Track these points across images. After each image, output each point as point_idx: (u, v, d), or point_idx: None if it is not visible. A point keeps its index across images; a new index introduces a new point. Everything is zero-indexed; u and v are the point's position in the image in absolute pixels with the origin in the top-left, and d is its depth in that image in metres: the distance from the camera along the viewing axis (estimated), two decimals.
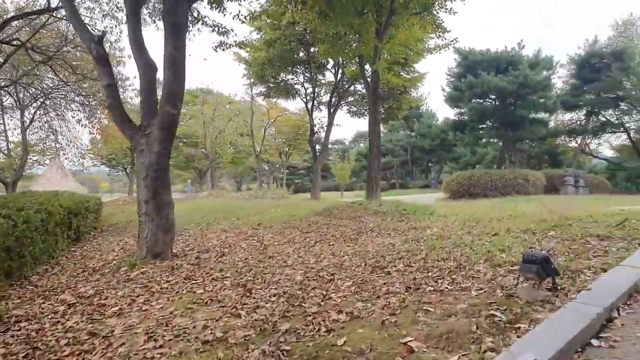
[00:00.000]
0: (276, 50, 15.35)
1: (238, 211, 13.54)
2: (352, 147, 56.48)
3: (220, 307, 4.07)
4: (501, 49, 25.38)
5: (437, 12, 10.75)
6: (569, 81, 31.85)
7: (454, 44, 13.92)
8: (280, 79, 19.42)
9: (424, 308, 3.59)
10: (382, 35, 10.39)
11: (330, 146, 73.96)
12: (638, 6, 53.31)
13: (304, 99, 20.01)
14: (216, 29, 11.20)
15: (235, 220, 11.74)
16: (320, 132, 22.72)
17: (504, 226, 7.40)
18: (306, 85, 20.02)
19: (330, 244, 6.96)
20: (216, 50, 11.28)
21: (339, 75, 18.54)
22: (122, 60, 21.85)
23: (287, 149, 42.84)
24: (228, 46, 11.46)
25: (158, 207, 6.31)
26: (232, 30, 11.40)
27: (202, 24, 11.38)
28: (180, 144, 38.14)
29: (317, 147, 19.74)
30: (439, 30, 11.27)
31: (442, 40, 13.98)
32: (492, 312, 3.41)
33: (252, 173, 76.06)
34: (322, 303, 3.97)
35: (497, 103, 26.21)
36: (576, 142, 34.91)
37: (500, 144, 29.13)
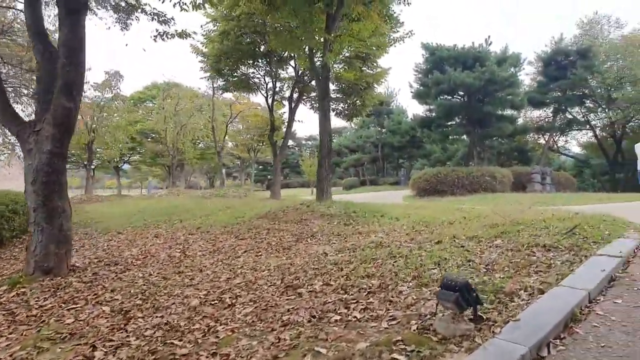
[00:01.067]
0: (230, 42, 14.52)
1: (184, 213, 12.73)
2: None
3: (76, 345, 3.31)
4: (468, 45, 25.10)
5: (390, 3, 10.13)
6: (537, 78, 31.86)
7: (409, 36, 13.37)
8: (240, 72, 18.58)
9: (316, 349, 2.92)
10: (331, 26, 9.70)
11: (303, 142, 73.44)
12: (599, 5, 54.02)
13: (264, 94, 19.20)
14: (156, 17, 10.39)
15: (178, 223, 10.95)
16: (282, 128, 21.98)
17: (452, 232, 6.82)
18: (267, 79, 19.22)
19: (259, 254, 6.25)
20: (155, 40, 10.40)
21: (300, 70, 17.81)
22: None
23: (256, 145, 41.90)
24: (170, 36, 10.59)
25: (50, 215, 5.49)
26: (172, 19, 10.56)
27: (141, 11, 10.57)
28: (148, 139, 36.87)
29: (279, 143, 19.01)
30: (391, 21, 10.67)
31: (395, 32, 13.41)
32: (395, 355, 2.76)
33: (225, 168, 74.98)
34: (201, 340, 3.26)
35: (464, 100, 25.91)
36: (544, 139, 35.05)
37: (469, 141, 28.86)
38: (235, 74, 18.38)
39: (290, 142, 71.07)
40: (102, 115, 26.37)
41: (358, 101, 19.18)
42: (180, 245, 7.25)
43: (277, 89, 20.19)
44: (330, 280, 4.57)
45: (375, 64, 17.72)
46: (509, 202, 18.83)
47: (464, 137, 29.94)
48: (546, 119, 33.84)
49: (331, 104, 19.80)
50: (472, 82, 22.75)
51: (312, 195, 34.59)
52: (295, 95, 18.37)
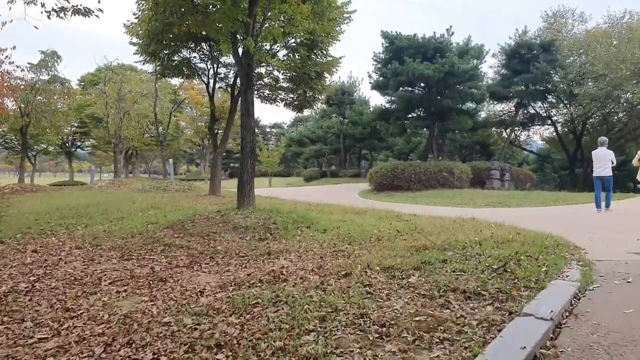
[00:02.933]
0: (158, 23, 12.98)
1: (99, 214, 11.31)
2: (292, 131, 54.41)
3: None
4: (429, 35, 24.05)
5: None
6: (500, 71, 31.24)
7: (347, 22, 12.20)
8: (181, 56, 17.03)
9: None
10: (252, 8, 8.40)
11: (268, 130, 71.70)
12: None
13: (204, 80, 17.67)
14: None
15: (81, 229, 9.54)
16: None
17: (370, 258, 5.73)
18: (209, 64, 17.72)
19: (124, 288, 4.98)
20: (49, 17, 8.89)
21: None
22: None
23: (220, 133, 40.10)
24: (67, 11, 9.07)
25: None
26: None
27: None
28: (101, 125, 34.64)
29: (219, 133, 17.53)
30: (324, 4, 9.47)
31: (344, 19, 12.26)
32: None
33: (187, 155, 72.95)
34: None
35: (425, 92, 24.97)
36: (506, 134, 34.64)
37: (428, 134, 28.02)
38: (174, 57, 16.83)
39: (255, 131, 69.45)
40: (37, 98, 24.26)
41: (308, 91, 17.89)
42: (42, 269, 5.90)
43: (222, 76, 18.73)
44: (171, 348, 3.37)
45: (324, 52, 16.44)
46: (463, 201, 18.16)
47: (425, 130, 29.06)
48: (508, 113, 33.38)
49: (280, 93, 18.57)
50: (432, 74, 21.78)
51: (268, 187, 33.35)
52: (238, 82, 16.91)
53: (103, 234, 8.51)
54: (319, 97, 18.18)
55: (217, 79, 18.73)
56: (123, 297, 4.68)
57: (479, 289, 4.23)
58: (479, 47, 24.64)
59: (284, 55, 15.41)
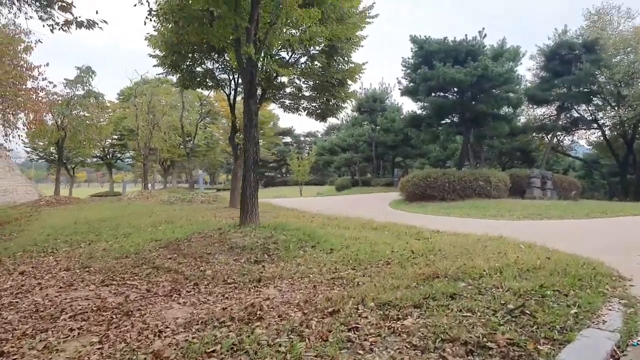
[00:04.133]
0: (172, 34, 12.66)
1: (111, 229, 10.99)
2: (324, 140, 53.88)
3: None
4: (460, 38, 22.92)
5: None
6: (539, 74, 29.58)
7: (365, 25, 11.42)
8: (204, 67, 16.71)
9: None
10: (253, 14, 7.83)
11: (302, 139, 71.41)
12: None
13: (226, 91, 17.29)
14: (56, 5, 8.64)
15: (86, 245, 9.20)
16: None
17: (368, 289, 4.97)
18: (231, 74, 17.32)
19: (83, 324, 4.41)
20: (52, 31, 8.62)
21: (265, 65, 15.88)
22: None
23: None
24: (79, 25, 8.78)
25: None
26: (73, 5, 8.75)
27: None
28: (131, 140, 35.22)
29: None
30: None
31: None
32: None
33: (225, 165, 73.20)
34: None
35: (457, 97, 23.81)
36: (548, 139, 32.77)
37: (462, 142, 26.71)
38: (196, 69, 16.52)
39: (288, 139, 69.32)
40: (72, 113, 24.72)
41: (331, 100, 17.22)
42: (11, 297, 5.43)
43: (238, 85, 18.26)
44: None
45: (346, 59, 15.76)
46: (500, 212, 16.99)
47: (459, 136, 27.77)
48: (550, 117, 31.56)
49: (302, 102, 17.96)
50: (463, 78, 20.63)
51: (299, 197, 32.78)
52: (259, 93, 16.45)
53: (101, 253, 8.08)
54: (342, 105, 17.44)
55: (240, 90, 18.34)
56: (74, 336, 4.10)
57: (485, 339, 3.40)
58: (514, 49, 23.27)
59: (302, 63, 14.80)
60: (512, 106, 24.28)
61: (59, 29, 8.98)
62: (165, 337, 3.98)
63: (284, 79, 17.07)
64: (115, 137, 43.39)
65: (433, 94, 23.93)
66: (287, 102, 18.09)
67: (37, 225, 14.58)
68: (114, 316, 4.60)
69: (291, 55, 15.43)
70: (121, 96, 40.60)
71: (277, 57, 15.74)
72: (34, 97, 19.30)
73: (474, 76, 20.82)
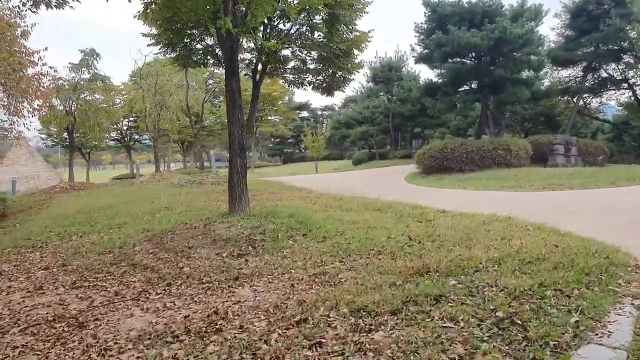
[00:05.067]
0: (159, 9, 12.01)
1: (106, 219, 10.73)
2: (339, 113, 52.88)
3: None
4: None
5: None
6: (564, 33, 27.86)
7: None
8: (203, 44, 16.02)
9: None
10: None
11: (319, 113, 70.37)
12: None
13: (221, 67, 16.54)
14: None
15: (77, 238, 8.93)
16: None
17: (347, 289, 4.45)
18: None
19: (15, 346, 4.00)
20: (20, 11, 8.14)
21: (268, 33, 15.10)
22: None
23: (254, 121, 39.35)
24: (47, 4, 8.28)
25: None
26: None
27: None
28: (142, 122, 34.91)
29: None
30: None
31: None
32: None
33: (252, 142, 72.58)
34: None
35: (475, 62, 22.61)
36: (573, 102, 31.16)
37: (481, 109, 25.53)
38: (195, 46, 15.84)
39: (305, 114, 68.42)
40: (79, 97, 24.51)
41: (338, 72, 16.38)
42: None
43: (248, 62, 17.57)
44: None
45: (349, 27, 14.88)
46: (518, 183, 16.25)
47: (478, 104, 26.55)
48: (576, 79, 29.90)
49: (307, 76, 17.18)
50: (479, 42, 19.44)
51: (315, 173, 32.27)
52: (259, 68, 15.73)
53: (87, 247, 7.77)
54: (349, 77, 16.57)
55: (244, 66, 17.66)
56: (13, 356, 3.71)
57: (471, 355, 2.84)
58: (535, 7, 21.79)
59: (301, 34, 14.02)
60: (533, 69, 22.95)
61: (27, 10, 8.52)
62: (109, 357, 3.55)
63: (287, 52, 16.33)
64: (132, 119, 43.41)
65: (449, 60, 22.77)
66: (291, 77, 17.35)
67: (44, 214, 14.51)
68: (66, 329, 4.20)
69: (291, 27, 14.67)
70: (133, 77, 40.37)
71: (275, 29, 15.03)
72: (36, 83, 18.98)
73: (491, 39, 19.64)
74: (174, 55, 15.55)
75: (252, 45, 16.13)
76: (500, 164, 21.12)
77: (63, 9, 8.38)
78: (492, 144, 21.13)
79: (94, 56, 24.64)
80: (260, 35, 15.11)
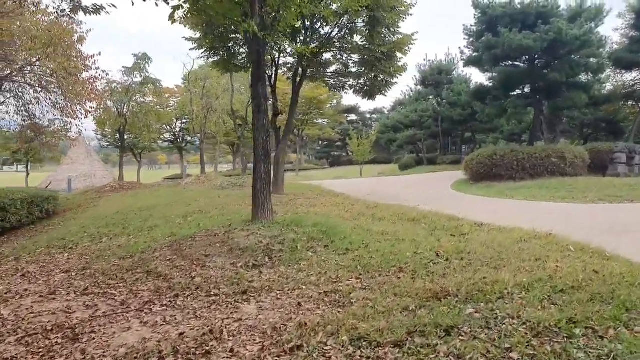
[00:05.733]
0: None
1: (140, 221, 10.85)
2: (387, 117, 52.07)
3: None
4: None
5: None
6: (628, 34, 26.02)
7: None
8: (241, 48, 16.03)
9: None
10: None
11: (368, 116, 69.69)
12: None
13: (268, 73, 16.46)
14: None
15: (107, 240, 9.04)
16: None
17: (344, 318, 4.11)
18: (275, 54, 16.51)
19: (5, 358, 3.95)
20: (57, 18, 8.32)
21: (309, 37, 14.95)
22: None
23: (299, 125, 39.30)
24: (85, 10, 8.41)
25: None
26: None
27: None
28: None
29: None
30: None
31: None
32: None
33: (292, 146, 73.29)
34: None
35: (528, 65, 21.46)
36: (638, 107, 29.06)
37: (533, 115, 24.20)
38: (238, 50, 15.89)
39: (354, 117, 67.97)
40: (131, 100, 25.39)
41: (380, 75, 16.00)
42: None
43: (290, 66, 17.51)
44: None
45: (392, 30, 14.49)
46: (572, 193, 15.23)
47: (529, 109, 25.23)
48: None
49: (348, 79, 16.87)
50: (532, 44, 18.39)
51: (359, 177, 31.83)
52: (300, 71, 15.55)
53: (113, 251, 7.83)
54: (391, 80, 16.14)
55: (286, 70, 17.61)
56: None
57: None
58: (596, 7, 20.44)
59: (341, 38, 13.78)
60: (591, 72, 21.51)
61: (68, 15, 8.72)
62: None
63: (328, 56, 16.12)
64: (184, 121, 44.60)
65: (500, 64, 21.76)
66: (332, 80, 17.12)
67: (88, 213, 14.97)
68: (60, 341, 4.11)
69: (331, 31, 14.44)
70: (185, 80, 41.52)
71: (317, 33, 14.82)
72: (90, 86, 19.78)
73: (545, 41, 18.54)
74: (217, 59, 15.78)
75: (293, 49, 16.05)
76: (554, 172, 19.91)
77: (99, 14, 8.49)
78: (544, 152, 19.99)
79: (146, 60, 25.46)
80: (302, 39, 15.06)
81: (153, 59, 25.43)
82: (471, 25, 22.15)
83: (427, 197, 17.58)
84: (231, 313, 4.53)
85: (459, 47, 27.63)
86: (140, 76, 25.53)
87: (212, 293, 5.17)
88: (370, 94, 16.76)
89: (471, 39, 22.44)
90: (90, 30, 19.61)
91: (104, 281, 5.91)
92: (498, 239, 6.72)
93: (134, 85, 25.66)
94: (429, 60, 35.79)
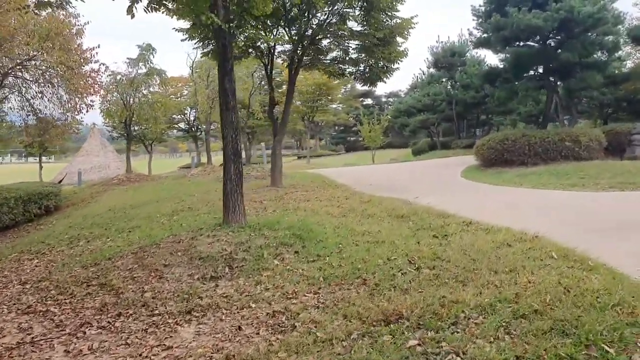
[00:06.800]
0: None
1: (124, 221, 10.60)
2: (399, 101, 51.01)
3: None
4: None
5: None
6: None
7: None
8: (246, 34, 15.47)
9: None
10: None
11: (384, 99, 68.51)
12: None
13: (264, 61, 15.91)
14: None
15: (85, 243, 8.82)
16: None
17: (285, 345, 3.72)
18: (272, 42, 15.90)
19: None
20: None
21: (302, 28, 14.38)
22: None
23: (310, 112, 38.64)
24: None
25: None
26: None
27: None
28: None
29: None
30: None
31: None
32: None
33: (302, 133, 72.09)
34: None
35: (539, 46, 20.45)
36: None
37: (547, 97, 23.15)
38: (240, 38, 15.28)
39: (369, 101, 66.92)
40: (136, 91, 25.18)
41: (380, 62, 15.37)
42: None
43: (288, 53, 16.90)
44: None
45: (390, 14, 13.82)
46: (583, 180, 14.59)
47: (541, 91, 24.16)
48: None
49: (347, 67, 16.25)
50: (542, 24, 17.40)
51: (371, 163, 31.22)
52: (296, 60, 14.97)
53: (84, 255, 7.57)
54: (392, 66, 15.47)
55: (284, 59, 17.05)
56: None
57: None
58: None
59: (332, 24, 13.20)
60: (607, 51, 20.40)
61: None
62: None
63: (325, 42, 15.52)
64: (195, 110, 44.42)
65: (511, 45, 20.80)
66: (330, 68, 16.51)
67: (84, 210, 14.90)
68: None
69: (327, 17, 13.83)
70: (191, 70, 41.25)
71: (314, 19, 14.19)
72: (90, 80, 19.63)
73: (556, 20, 17.56)
74: (210, 48, 15.28)
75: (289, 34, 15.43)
76: (568, 157, 19.11)
77: (64, 9, 8.16)
78: (558, 135, 19.18)
79: (150, 51, 25.14)
80: (298, 27, 14.47)
81: (162, 50, 25.18)
82: (480, 6, 21.20)
83: (432, 186, 17.00)
84: (165, 338, 4.19)
85: (468, 29, 26.51)
86: (145, 67, 25.30)
87: (156, 312, 4.83)
88: (370, 81, 16.14)
89: (480, 20, 21.48)
90: (88, 22, 19.33)
91: (52, 296, 5.64)
92: (479, 242, 6.21)
93: (139, 77, 25.42)
94: (442, 42, 34.70)
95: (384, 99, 67.13)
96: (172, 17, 13.39)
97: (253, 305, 4.77)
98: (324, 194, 13.28)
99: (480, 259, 5.38)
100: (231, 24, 6.98)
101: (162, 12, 7.51)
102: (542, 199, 11.83)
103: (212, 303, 4.89)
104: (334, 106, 53.82)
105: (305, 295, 4.94)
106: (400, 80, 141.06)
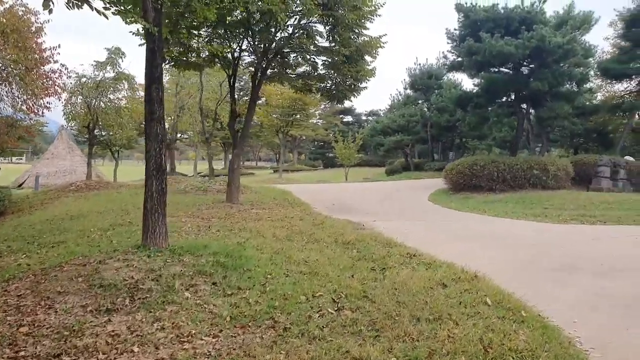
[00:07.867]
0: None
1: (58, 233, 9.82)
2: (375, 120, 50.99)
3: None
4: (515, 3, 19.32)
5: None
6: (618, 43, 24.91)
7: None
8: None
9: None
10: None
11: (364, 118, 68.39)
12: None
13: (227, 72, 15.26)
14: None
15: (6, 255, 7.99)
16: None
17: None
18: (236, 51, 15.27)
19: None
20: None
21: (266, 37, 13.81)
22: None
23: (284, 125, 38.05)
24: None
25: None
26: None
27: None
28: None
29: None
30: None
31: None
32: None
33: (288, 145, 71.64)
34: None
35: (511, 73, 20.38)
36: (626, 120, 27.93)
37: (516, 124, 23.07)
38: (190, 45, 14.65)
39: (349, 119, 66.80)
40: (101, 95, 24.20)
41: (347, 80, 14.95)
42: None
43: (257, 64, 16.26)
44: None
45: (357, 31, 13.44)
46: (547, 210, 14.52)
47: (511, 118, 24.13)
48: (630, 94, 26.79)
49: (313, 82, 15.76)
50: (513, 51, 17.29)
51: (344, 181, 30.77)
52: (259, 71, 14.39)
53: None
54: (359, 85, 15.06)
55: (251, 71, 16.45)
56: None
57: None
58: (584, 14, 19.30)
59: (295, 38, 12.73)
60: (575, 83, 20.45)
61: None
62: None
63: (294, 55, 15.01)
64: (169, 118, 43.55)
65: (485, 70, 20.70)
66: (299, 83, 16.00)
67: (22, 219, 14.02)
68: None
69: (295, 29, 13.32)
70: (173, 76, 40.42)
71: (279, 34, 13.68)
72: (50, 81, 18.75)
73: (527, 48, 17.49)
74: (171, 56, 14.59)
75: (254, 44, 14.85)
76: (536, 185, 19.16)
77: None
78: (526, 163, 19.20)
79: (119, 54, 24.29)
80: (261, 38, 13.91)
81: (137, 55, 24.34)
82: (454, 29, 21.11)
83: (394, 209, 16.61)
84: None
85: (442, 52, 26.52)
86: (113, 71, 24.41)
87: (20, 354, 4.10)
88: (337, 98, 15.71)
89: (454, 44, 21.37)
90: (48, 21, 18.49)
91: None
92: (414, 280, 5.68)
93: (105, 81, 24.51)
94: (419, 64, 34.76)
95: (364, 117, 67.10)
96: (100, 16, 12.80)
97: (136, 350, 4.09)
98: (279, 213, 12.69)
99: (407, 302, 4.84)
100: (160, 28, 6.40)
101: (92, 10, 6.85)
102: (501, 229, 11.51)
103: (90, 344, 4.19)
104: (313, 121, 53.43)
105: (202, 339, 4.29)
106: (381, 98, 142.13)
